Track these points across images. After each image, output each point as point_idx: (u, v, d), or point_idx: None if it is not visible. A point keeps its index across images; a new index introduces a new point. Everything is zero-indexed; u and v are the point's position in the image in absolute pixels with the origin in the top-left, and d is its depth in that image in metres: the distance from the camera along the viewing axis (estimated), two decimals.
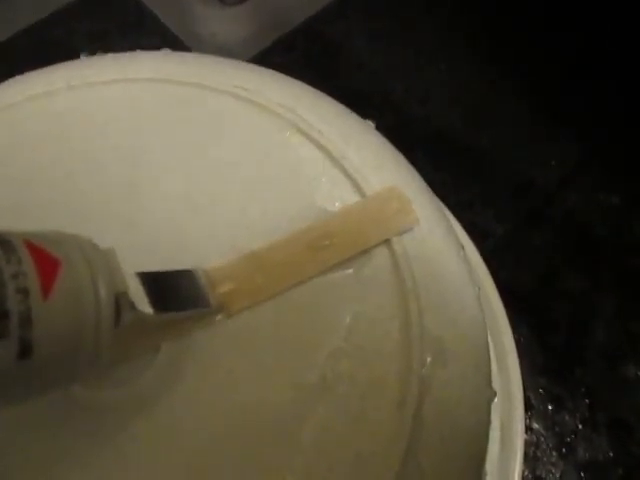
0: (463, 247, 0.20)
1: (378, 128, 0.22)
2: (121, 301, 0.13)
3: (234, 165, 0.19)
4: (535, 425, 0.30)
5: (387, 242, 0.18)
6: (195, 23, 0.40)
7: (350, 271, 0.18)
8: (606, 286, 0.34)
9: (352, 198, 0.19)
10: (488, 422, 0.19)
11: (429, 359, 0.17)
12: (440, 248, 0.19)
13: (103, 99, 0.20)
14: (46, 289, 0.11)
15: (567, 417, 0.30)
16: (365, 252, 0.18)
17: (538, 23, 0.42)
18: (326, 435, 0.16)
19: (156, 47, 0.24)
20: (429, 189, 0.21)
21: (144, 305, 0.14)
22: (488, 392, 0.19)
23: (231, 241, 0.18)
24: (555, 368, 0.31)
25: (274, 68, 0.21)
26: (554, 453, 0.29)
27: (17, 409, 0.13)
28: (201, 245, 0.18)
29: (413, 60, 0.40)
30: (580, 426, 0.30)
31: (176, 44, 0.39)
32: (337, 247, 0.18)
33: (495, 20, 0.42)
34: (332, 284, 0.18)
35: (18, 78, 0.21)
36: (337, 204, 0.19)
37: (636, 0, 0.40)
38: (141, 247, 0.18)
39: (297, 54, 0.40)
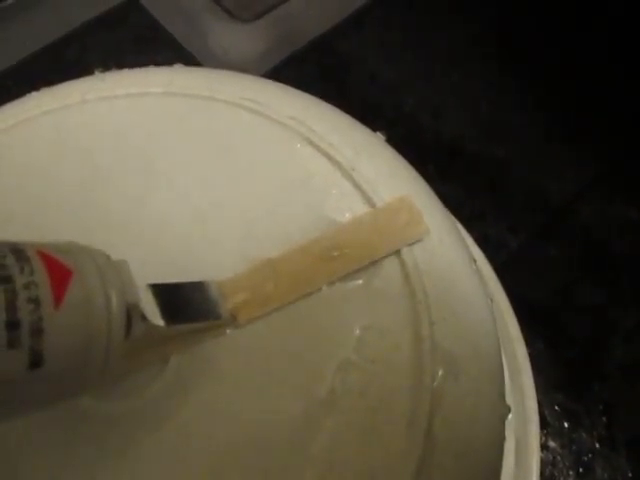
0: (475, 259, 0.20)
1: (391, 140, 0.22)
2: (132, 312, 0.13)
3: (245, 177, 0.19)
4: (551, 443, 0.29)
5: (397, 253, 0.18)
6: (209, 40, 0.40)
7: (360, 282, 0.18)
8: (624, 300, 0.33)
9: (362, 209, 0.18)
10: (502, 438, 0.19)
11: (440, 373, 0.17)
12: (451, 259, 0.18)
13: (117, 112, 0.21)
14: (58, 299, 0.11)
15: (584, 435, 0.29)
16: (375, 263, 0.18)
17: (554, 36, 0.42)
18: (337, 448, 0.16)
19: (170, 64, 0.24)
20: (439, 200, 0.21)
21: (155, 317, 0.14)
22: (502, 407, 0.18)
23: (242, 252, 0.18)
24: (571, 384, 0.30)
25: (287, 82, 0.21)
26: (571, 472, 0.28)
27: (24, 419, 0.12)
28: (212, 256, 0.18)
29: (425, 73, 0.40)
30: (598, 444, 0.29)
31: (190, 61, 0.39)
32: (347, 258, 0.18)
33: (510, 32, 0.42)
34: (342, 295, 0.17)
35: (34, 94, 0.22)
36: (347, 215, 0.18)
37: None
38: (151, 259, 0.18)
39: (310, 68, 0.40)
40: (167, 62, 0.23)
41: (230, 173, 0.19)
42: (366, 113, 0.37)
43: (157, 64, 0.23)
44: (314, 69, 0.40)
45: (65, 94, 0.21)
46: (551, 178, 0.37)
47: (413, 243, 0.18)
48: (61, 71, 0.40)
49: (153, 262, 0.17)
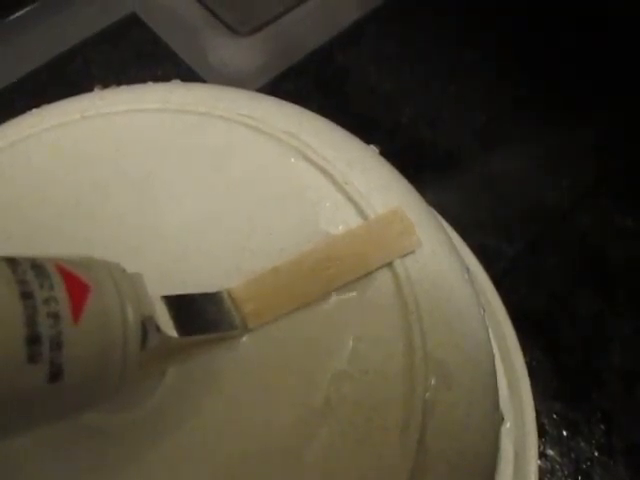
0: (468, 269, 0.20)
1: (389, 151, 0.22)
2: (147, 325, 0.13)
3: (240, 191, 0.20)
4: (550, 451, 0.29)
5: (390, 264, 0.18)
6: (208, 54, 0.41)
7: (353, 293, 0.18)
8: (622, 308, 0.34)
9: (355, 221, 0.19)
10: (496, 447, 0.19)
11: (433, 382, 0.17)
12: (443, 270, 0.19)
13: (115, 129, 0.21)
14: (76, 313, 0.11)
15: (583, 443, 0.29)
16: (368, 274, 0.18)
17: (552, 46, 0.42)
18: (331, 458, 0.16)
19: (171, 77, 0.25)
20: (433, 211, 0.21)
21: (169, 328, 0.14)
22: (495, 416, 0.19)
23: (237, 265, 0.19)
24: (570, 392, 0.31)
25: (286, 94, 0.22)
26: None
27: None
28: (207, 268, 0.19)
29: (423, 84, 0.41)
30: (596, 452, 0.29)
31: (190, 74, 0.40)
32: (340, 270, 0.18)
33: (507, 42, 0.43)
34: (335, 306, 0.18)
35: (35, 111, 0.22)
36: (341, 227, 0.19)
37: None
38: (148, 271, 0.18)
39: (308, 80, 0.40)
40: (168, 76, 0.24)
41: (226, 187, 0.20)
42: (364, 125, 0.38)
43: (158, 78, 0.24)
44: (312, 81, 0.40)
45: (64, 111, 0.21)
46: (548, 187, 0.37)
47: (405, 255, 0.18)
48: (64, 86, 0.41)
49: (150, 274, 0.17)
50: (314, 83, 0.40)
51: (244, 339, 0.17)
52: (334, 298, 0.18)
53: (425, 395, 0.17)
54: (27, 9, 0.43)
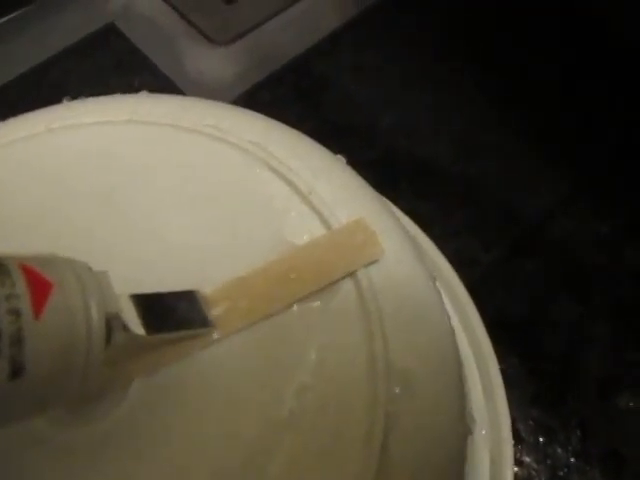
0: (435, 277, 0.20)
1: (366, 159, 0.22)
2: (112, 322, 0.13)
3: (206, 202, 0.20)
4: (526, 458, 0.29)
5: (353, 274, 0.18)
6: (186, 64, 0.41)
7: (317, 303, 0.18)
8: (599, 315, 0.34)
9: (319, 231, 0.19)
10: (463, 457, 0.19)
11: (396, 391, 0.17)
12: (408, 278, 0.19)
13: (82, 141, 0.21)
14: (38, 310, 0.12)
15: (559, 449, 0.29)
16: (331, 284, 0.18)
17: (523, 52, 0.43)
18: (294, 470, 0.16)
19: (148, 87, 0.24)
20: (400, 220, 0.21)
21: (137, 326, 0.14)
22: (461, 426, 0.19)
23: (201, 275, 0.18)
24: (546, 399, 0.31)
25: (264, 103, 0.22)
26: None
27: None
28: (174, 279, 0.19)
29: (399, 93, 0.41)
30: (573, 459, 0.29)
31: (168, 84, 0.40)
32: (304, 280, 0.18)
33: (482, 50, 0.43)
34: (299, 317, 0.18)
35: (0, 124, 0.22)
36: (305, 237, 0.19)
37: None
38: (117, 282, 0.18)
39: (286, 89, 0.41)
40: (145, 86, 0.24)
41: (191, 198, 0.20)
42: (342, 133, 0.38)
43: (135, 88, 0.24)
44: (290, 90, 0.41)
45: (31, 123, 0.21)
46: (524, 195, 0.37)
47: (369, 264, 0.18)
48: (42, 96, 0.41)
49: (118, 284, 0.17)
50: (292, 92, 0.40)
51: (208, 350, 0.17)
52: (298, 308, 0.18)
53: (388, 404, 0.17)
54: (4, 19, 0.43)
